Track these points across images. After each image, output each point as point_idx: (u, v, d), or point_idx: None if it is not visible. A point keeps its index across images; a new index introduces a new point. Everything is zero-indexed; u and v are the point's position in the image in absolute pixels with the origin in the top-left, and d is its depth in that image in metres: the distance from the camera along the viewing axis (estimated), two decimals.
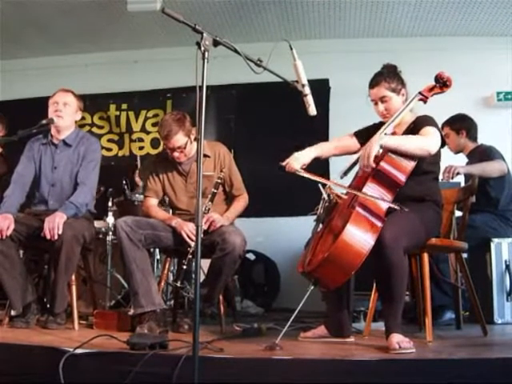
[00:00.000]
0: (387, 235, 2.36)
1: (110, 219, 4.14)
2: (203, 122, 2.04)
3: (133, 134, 5.74)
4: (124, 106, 5.76)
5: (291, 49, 2.44)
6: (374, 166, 2.49)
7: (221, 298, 3.17)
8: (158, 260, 4.34)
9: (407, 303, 3.16)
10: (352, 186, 2.69)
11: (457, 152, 4.05)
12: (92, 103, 5.48)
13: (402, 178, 2.53)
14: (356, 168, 2.70)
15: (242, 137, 5.45)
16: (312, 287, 2.44)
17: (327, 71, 5.31)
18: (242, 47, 2.22)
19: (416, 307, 3.24)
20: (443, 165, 3.23)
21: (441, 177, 3.39)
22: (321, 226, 2.70)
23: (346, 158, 2.84)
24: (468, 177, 3.71)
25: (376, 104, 2.79)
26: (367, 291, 2.99)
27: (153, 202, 3.31)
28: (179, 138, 3.14)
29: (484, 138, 4.04)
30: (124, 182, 4.43)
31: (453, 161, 3.83)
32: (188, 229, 3.04)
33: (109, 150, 5.72)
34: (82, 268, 3.56)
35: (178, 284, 3.19)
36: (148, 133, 5.71)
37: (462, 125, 3.97)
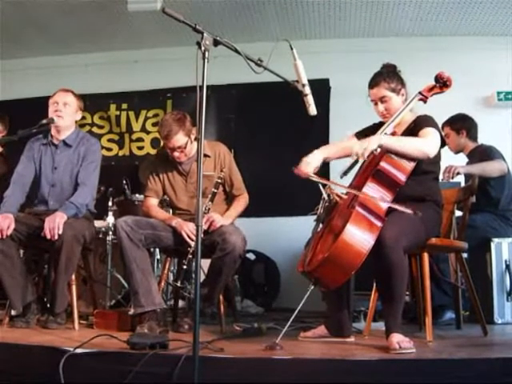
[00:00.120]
0: (387, 235, 2.36)
1: (110, 219, 4.15)
2: (203, 121, 2.04)
3: (133, 133, 5.74)
4: (124, 106, 5.76)
5: (291, 49, 2.44)
6: (365, 158, 2.48)
7: (221, 297, 3.17)
8: (158, 260, 4.34)
9: (407, 303, 3.17)
10: (352, 186, 2.69)
11: (457, 152, 4.05)
12: (92, 103, 5.48)
13: (402, 177, 2.53)
14: (356, 168, 2.70)
15: (242, 137, 5.45)
16: (312, 287, 2.44)
17: (327, 71, 5.31)
18: (243, 47, 2.22)
19: (416, 307, 3.24)
20: (443, 165, 3.23)
21: (441, 177, 3.39)
22: (321, 225, 2.70)
23: (346, 158, 2.84)
24: (468, 177, 3.71)
25: (376, 104, 2.79)
26: (367, 291, 2.98)
27: (153, 201, 3.32)
28: (179, 138, 3.14)
29: (484, 137, 4.04)
30: (124, 181, 4.43)
31: (453, 161, 3.83)
32: (188, 229, 3.04)
33: (109, 149, 5.71)
34: (82, 268, 3.56)
35: (178, 284, 3.19)
36: (148, 133, 5.71)
37: (462, 125, 3.97)
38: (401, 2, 4.77)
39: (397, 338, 2.34)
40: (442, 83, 2.80)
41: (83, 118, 5.37)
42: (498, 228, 3.72)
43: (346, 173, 2.68)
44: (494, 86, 5.10)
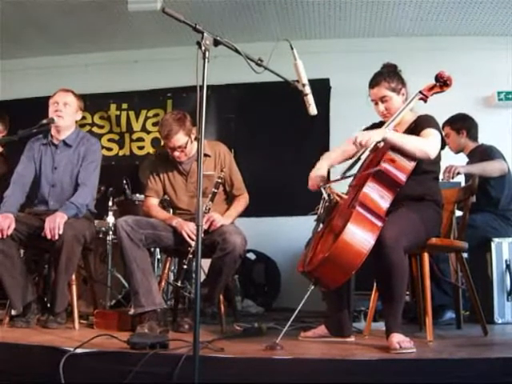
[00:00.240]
0: (387, 235, 2.36)
1: (111, 219, 4.15)
2: (203, 121, 2.04)
3: (133, 133, 5.74)
4: (124, 106, 5.76)
5: (292, 48, 2.44)
6: (368, 147, 2.51)
7: (221, 297, 3.17)
8: (158, 259, 4.34)
9: (407, 303, 3.16)
10: (352, 186, 2.69)
11: (457, 152, 4.05)
12: (92, 103, 5.48)
13: (403, 177, 2.53)
14: (356, 168, 2.70)
15: (242, 136, 5.45)
16: (312, 287, 2.44)
17: (328, 71, 5.31)
18: (243, 47, 2.22)
19: (416, 307, 3.23)
20: (443, 164, 3.23)
21: (441, 176, 3.39)
22: (321, 225, 2.70)
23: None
24: (468, 176, 3.71)
25: (376, 104, 2.79)
26: (367, 291, 2.98)
27: (153, 201, 3.31)
28: (180, 138, 3.14)
29: (484, 137, 4.04)
30: (124, 181, 4.43)
31: (453, 160, 3.83)
32: (188, 228, 3.04)
33: (109, 149, 5.72)
34: (82, 268, 3.56)
35: (179, 284, 3.19)
36: (148, 132, 5.71)
37: (462, 124, 3.97)
38: (401, 2, 4.77)
39: (397, 338, 2.34)
40: (442, 82, 2.80)
41: (83, 117, 5.37)
42: (499, 228, 3.72)
43: (346, 172, 2.69)
44: (495, 85, 5.10)
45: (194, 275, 2.71)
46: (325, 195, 2.68)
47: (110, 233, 4.09)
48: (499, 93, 5.13)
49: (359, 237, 2.34)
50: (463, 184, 3.64)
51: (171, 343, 2.38)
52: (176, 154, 3.20)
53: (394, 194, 2.54)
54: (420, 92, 2.79)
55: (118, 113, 5.77)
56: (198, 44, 2.06)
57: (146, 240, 3.00)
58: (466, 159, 4.03)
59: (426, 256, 2.69)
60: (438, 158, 2.73)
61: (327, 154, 2.91)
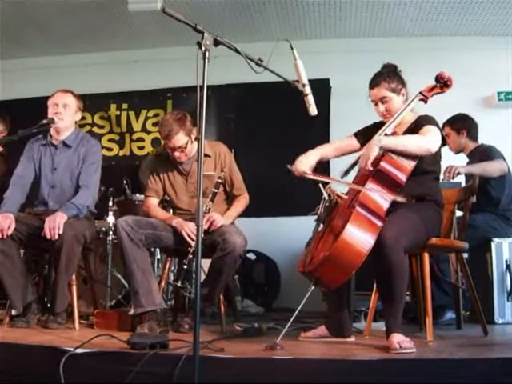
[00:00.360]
0: (387, 235, 2.36)
1: (111, 219, 4.14)
2: (204, 121, 2.04)
3: (133, 133, 5.74)
4: (124, 106, 5.76)
5: (292, 48, 2.44)
6: (371, 168, 2.49)
7: (221, 297, 3.17)
8: (158, 260, 4.34)
9: (408, 303, 3.16)
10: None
11: (457, 152, 4.05)
12: (92, 103, 5.49)
13: (403, 177, 2.53)
14: (356, 168, 2.70)
15: (242, 136, 5.45)
16: (313, 287, 2.44)
17: (328, 71, 5.31)
18: (243, 47, 2.22)
19: (416, 307, 3.23)
20: (444, 165, 3.23)
21: (441, 177, 3.38)
22: (321, 225, 2.70)
23: (346, 157, 2.84)
24: (469, 177, 3.71)
25: (376, 104, 2.79)
26: (368, 291, 2.98)
27: (153, 201, 3.31)
28: (180, 138, 3.14)
29: (485, 137, 4.04)
30: (124, 181, 4.43)
31: (453, 161, 3.83)
32: (188, 228, 3.04)
33: (109, 149, 5.72)
34: (82, 268, 3.56)
35: (179, 284, 3.19)
36: (149, 132, 5.71)
37: (462, 125, 3.97)
38: (401, 2, 4.77)
39: (397, 338, 2.34)
40: (442, 83, 2.80)
41: (83, 118, 5.39)
42: (499, 228, 3.72)
43: (346, 172, 2.69)
44: (495, 86, 5.10)
45: (194, 275, 2.71)
46: (325, 195, 2.68)
47: (110, 233, 4.09)
48: (499, 93, 5.13)
49: (359, 237, 2.34)
50: (463, 184, 3.64)
51: (171, 343, 2.38)
52: (176, 154, 3.20)
53: (394, 194, 2.53)
54: (420, 93, 2.79)
55: (118, 113, 5.77)
56: (198, 44, 2.06)
57: (146, 240, 3.00)
58: (466, 159, 4.03)
59: (426, 256, 2.69)
60: (439, 157, 2.73)
61: (322, 147, 2.90)
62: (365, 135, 2.84)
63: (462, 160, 4.02)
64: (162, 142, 3.30)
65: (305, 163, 2.71)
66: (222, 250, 2.91)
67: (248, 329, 3.01)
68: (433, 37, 5.30)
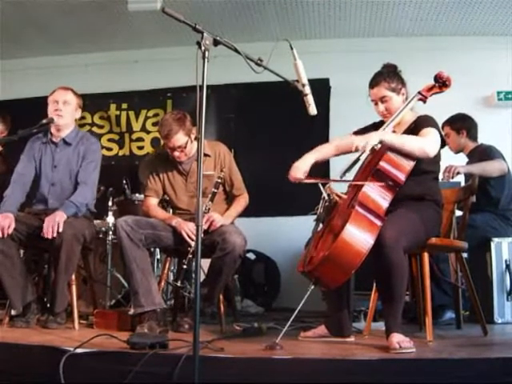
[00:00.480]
0: (387, 235, 2.36)
1: (110, 219, 4.14)
2: (203, 121, 2.04)
3: (133, 133, 5.74)
4: (124, 106, 5.76)
5: (291, 48, 2.44)
6: (366, 152, 2.50)
7: (221, 297, 3.18)
8: (158, 259, 4.34)
9: (407, 303, 3.16)
10: (352, 185, 2.69)
11: (457, 152, 4.05)
12: (92, 103, 5.48)
13: (402, 177, 2.53)
14: (356, 167, 2.70)
15: (242, 136, 5.45)
16: (312, 287, 2.44)
17: (327, 71, 5.31)
18: (243, 47, 2.22)
19: (416, 307, 3.23)
20: (443, 164, 3.23)
21: (441, 176, 3.39)
22: (321, 225, 2.70)
23: (346, 157, 2.84)
24: (468, 176, 3.71)
25: (376, 104, 2.79)
26: (367, 291, 2.99)
27: (153, 201, 3.31)
28: (179, 138, 3.14)
29: (484, 137, 4.04)
30: (124, 181, 4.43)
31: (453, 160, 3.83)
32: (188, 228, 3.04)
33: (109, 149, 5.71)
34: (82, 267, 3.56)
35: (179, 284, 3.19)
36: (148, 132, 5.71)
37: (462, 124, 3.97)
38: (401, 2, 4.77)
39: (397, 338, 2.34)
40: (441, 83, 2.80)
41: (83, 117, 5.42)
42: (498, 228, 3.72)
43: (345, 172, 2.68)
44: (494, 85, 5.10)
45: (193, 275, 2.71)
46: (324, 195, 2.68)
47: (110, 233, 4.09)
48: (499, 93, 5.13)
49: (359, 236, 2.35)
50: (463, 184, 3.64)
51: (171, 343, 2.37)
52: (176, 153, 3.20)
53: (394, 194, 2.54)
54: (419, 93, 2.79)
55: (117, 113, 5.77)
56: (198, 44, 2.06)
57: (145, 240, 3.00)
58: (466, 159, 4.03)
59: (425, 256, 2.69)
60: (438, 157, 2.73)
61: (318, 148, 2.90)
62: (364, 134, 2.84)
63: (461, 160, 4.02)
64: (162, 141, 3.30)
65: (299, 170, 2.72)
66: (221, 249, 2.91)
67: (248, 329, 3.01)
68: (432, 37, 5.30)
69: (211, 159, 3.28)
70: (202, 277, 3.07)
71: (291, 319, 2.46)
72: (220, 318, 3.17)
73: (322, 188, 2.68)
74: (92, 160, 3.35)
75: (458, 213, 3.29)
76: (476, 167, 3.72)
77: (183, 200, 3.29)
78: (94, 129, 5.73)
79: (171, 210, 3.47)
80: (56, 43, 5.54)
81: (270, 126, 5.36)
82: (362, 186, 2.53)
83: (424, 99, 2.80)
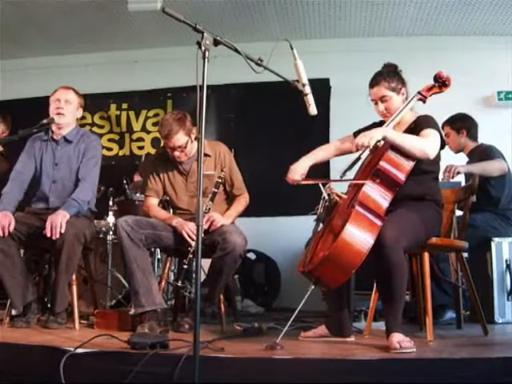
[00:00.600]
0: (387, 235, 2.36)
1: (111, 219, 4.14)
2: (203, 121, 2.04)
3: (133, 133, 5.75)
4: (124, 106, 5.77)
5: (292, 48, 2.44)
6: (370, 147, 2.51)
7: (221, 297, 3.18)
8: (158, 259, 4.34)
9: (408, 303, 3.16)
10: (352, 185, 2.69)
11: (457, 151, 4.05)
12: (92, 103, 5.48)
13: (402, 177, 2.53)
14: (356, 167, 2.70)
15: (242, 136, 5.45)
16: (312, 287, 2.44)
17: (328, 71, 5.31)
18: (243, 47, 2.21)
19: (416, 307, 3.23)
20: (443, 164, 3.23)
21: (441, 176, 3.39)
22: (321, 225, 2.71)
23: (346, 157, 2.84)
24: (468, 176, 3.71)
25: (376, 104, 2.79)
26: (368, 291, 2.99)
27: (153, 201, 3.31)
28: (180, 138, 3.14)
29: (484, 137, 4.04)
30: (124, 181, 4.43)
31: (453, 160, 3.83)
32: (188, 228, 3.04)
33: (109, 149, 5.72)
34: (82, 267, 3.56)
35: (179, 283, 3.19)
36: (148, 132, 5.72)
37: (462, 124, 3.97)
38: (401, 2, 4.77)
39: (397, 338, 2.34)
40: (441, 83, 2.80)
41: (83, 117, 5.41)
42: (499, 227, 3.72)
43: (346, 172, 2.69)
44: (495, 85, 5.10)
45: (194, 275, 2.71)
46: (324, 195, 2.68)
47: (111, 233, 4.09)
48: (499, 92, 5.14)
49: (359, 236, 2.34)
50: (463, 183, 3.64)
51: (171, 343, 2.37)
52: (176, 153, 3.20)
53: (394, 194, 2.54)
54: (419, 92, 2.79)
55: (118, 113, 5.77)
56: (198, 44, 2.06)
57: (146, 240, 3.00)
58: (466, 159, 4.03)
59: (426, 256, 2.69)
60: (438, 157, 2.73)
61: (316, 150, 2.92)
62: None
63: (461, 160, 4.02)
64: (162, 141, 3.30)
65: (296, 172, 2.77)
66: (222, 249, 2.91)
67: (248, 328, 3.01)
68: (432, 36, 5.30)
69: (211, 159, 3.28)
70: (203, 277, 3.07)
71: (291, 319, 2.46)
72: (220, 318, 3.17)
73: (322, 188, 2.68)
74: (92, 156, 3.35)
75: (459, 212, 3.29)
76: (476, 167, 3.72)
77: (183, 200, 3.29)
78: (95, 129, 5.73)
79: (171, 210, 3.47)
80: (56, 43, 5.54)
81: (270, 126, 5.36)
82: (362, 185, 2.53)
83: (424, 99, 2.80)
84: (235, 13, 5.02)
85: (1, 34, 5.12)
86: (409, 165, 2.55)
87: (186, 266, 3.05)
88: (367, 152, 2.59)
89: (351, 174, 2.77)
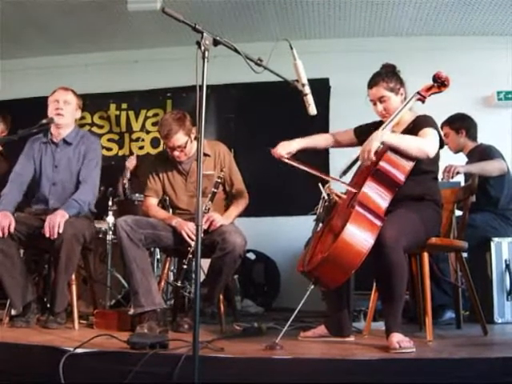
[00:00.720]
0: (387, 235, 2.36)
1: (110, 219, 4.14)
2: (203, 121, 2.04)
3: (133, 133, 5.75)
4: (124, 106, 5.77)
5: (291, 48, 2.44)
6: (374, 159, 2.50)
7: (221, 297, 3.18)
8: (158, 259, 4.34)
9: (407, 302, 3.16)
10: (351, 185, 2.69)
11: (456, 151, 4.05)
12: (92, 103, 5.49)
13: (401, 177, 2.53)
14: (356, 167, 2.70)
15: (242, 136, 5.45)
16: (312, 286, 2.44)
17: (327, 71, 5.31)
18: (242, 47, 2.22)
19: (416, 306, 3.23)
20: (443, 164, 3.23)
21: (441, 176, 3.39)
22: (320, 225, 2.71)
23: (346, 156, 2.84)
24: (468, 176, 3.71)
25: (375, 104, 2.79)
26: (367, 290, 2.99)
27: (153, 201, 3.31)
28: (179, 137, 3.14)
29: (484, 137, 4.04)
30: (124, 181, 4.43)
31: (452, 160, 3.83)
32: (188, 228, 3.04)
33: (109, 149, 5.72)
34: (82, 267, 3.56)
35: (179, 283, 3.19)
36: (148, 132, 5.72)
37: (461, 124, 3.97)
38: (400, 2, 4.77)
39: (397, 338, 2.34)
40: (439, 83, 2.80)
41: (83, 117, 5.42)
42: (498, 227, 3.72)
43: (345, 172, 2.69)
44: (494, 85, 5.10)
45: (193, 275, 2.71)
46: (324, 195, 2.68)
47: (110, 233, 4.09)
48: (499, 92, 5.13)
49: (359, 236, 2.34)
50: (463, 183, 3.64)
51: (171, 343, 2.38)
52: (176, 153, 3.20)
53: (393, 194, 2.54)
54: (418, 93, 2.79)
55: (117, 113, 5.77)
56: (198, 44, 2.06)
57: (145, 240, 3.00)
58: (466, 159, 4.03)
59: (425, 256, 2.69)
60: (437, 157, 2.73)
61: (313, 136, 2.96)
62: (363, 133, 2.85)
63: (461, 159, 4.02)
64: (162, 141, 3.29)
65: (285, 148, 2.79)
66: (221, 249, 2.91)
67: (248, 328, 3.01)
68: (432, 36, 5.30)
69: (211, 159, 3.28)
70: (202, 277, 3.07)
71: (291, 319, 2.47)
72: (220, 318, 3.17)
73: (321, 188, 2.68)
74: (93, 158, 3.36)
75: (458, 212, 3.29)
76: (475, 167, 3.72)
77: (183, 200, 3.29)
78: (94, 129, 5.74)
79: (171, 210, 3.47)
80: (56, 43, 5.54)
81: (270, 125, 5.35)
82: (361, 185, 2.53)
83: (423, 99, 2.80)
84: (235, 13, 5.02)
85: (1, 34, 5.12)
86: (408, 165, 2.55)
87: (185, 266, 3.06)
88: (372, 159, 2.58)
89: (351, 174, 2.78)
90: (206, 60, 2.05)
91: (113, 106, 5.78)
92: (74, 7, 4.80)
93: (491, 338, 2.88)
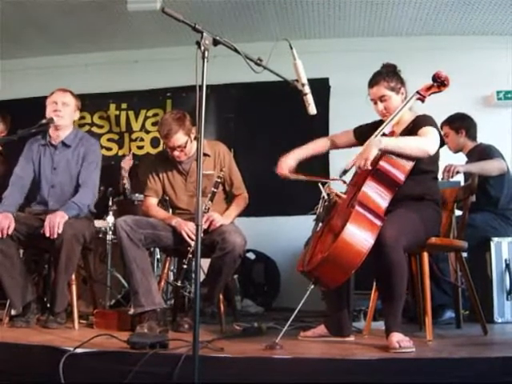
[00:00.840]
0: (387, 234, 2.36)
1: (110, 219, 4.14)
2: (203, 121, 2.04)
3: (133, 133, 5.74)
4: (124, 106, 5.77)
5: (291, 48, 2.44)
6: (370, 168, 2.49)
7: (221, 297, 3.18)
8: (158, 259, 4.34)
9: (407, 302, 3.16)
10: (351, 185, 2.69)
11: (456, 151, 4.05)
12: (92, 103, 5.49)
13: (401, 176, 2.53)
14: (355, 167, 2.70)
15: (241, 136, 5.45)
16: (312, 286, 2.45)
17: (327, 70, 5.31)
18: (242, 46, 2.22)
19: (416, 306, 3.24)
20: (442, 164, 3.23)
21: (440, 176, 3.39)
22: (320, 225, 2.71)
23: (346, 156, 2.84)
24: (468, 176, 3.71)
25: (375, 103, 2.80)
26: (367, 290, 2.99)
27: (153, 201, 3.31)
28: (179, 137, 3.14)
29: (484, 137, 4.04)
30: (124, 181, 4.43)
31: (452, 160, 3.82)
32: (188, 228, 3.04)
33: (109, 149, 5.72)
34: (82, 267, 3.56)
35: (179, 283, 3.19)
36: (148, 132, 5.71)
37: (461, 124, 3.97)
38: (400, 2, 4.77)
39: (397, 337, 2.34)
40: (439, 82, 2.80)
41: (83, 117, 5.42)
42: (498, 227, 3.72)
43: (345, 172, 2.69)
44: (494, 85, 5.10)
45: (193, 275, 2.71)
46: (324, 194, 2.68)
47: (110, 233, 4.09)
48: (498, 92, 5.13)
49: (359, 236, 2.35)
50: (462, 183, 3.64)
51: (171, 343, 2.38)
52: (175, 153, 3.20)
53: (393, 193, 2.54)
54: (417, 92, 2.79)
55: (117, 113, 5.77)
56: (198, 44, 2.06)
57: (145, 240, 3.00)
58: (465, 158, 4.03)
59: (425, 255, 2.69)
60: (437, 157, 2.73)
61: (309, 144, 2.96)
62: (363, 133, 2.85)
63: (460, 159, 4.02)
64: (162, 141, 3.30)
65: (283, 166, 2.83)
66: (221, 249, 2.91)
67: (248, 328, 3.01)
68: (432, 36, 5.30)
69: (211, 159, 3.28)
70: (202, 276, 3.08)
71: (291, 319, 2.47)
72: (220, 318, 3.17)
73: (321, 188, 2.68)
74: (92, 161, 3.35)
75: (458, 212, 3.29)
76: (475, 166, 3.72)
77: (183, 200, 3.29)
78: (94, 129, 5.73)
79: (171, 210, 3.47)
80: (56, 43, 5.54)
81: (270, 125, 5.36)
82: (361, 185, 2.53)
83: (422, 99, 2.80)
84: (235, 13, 5.02)
85: (1, 34, 5.11)
86: (408, 164, 2.55)
87: (185, 266, 3.06)
88: (369, 167, 2.58)
89: (351, 174, 2.78)
90: (205, 60, 2.05)
91: (113, 106, 5.78)
92: (73, 7, 4.80)
93: (491, 338, 2.88)
